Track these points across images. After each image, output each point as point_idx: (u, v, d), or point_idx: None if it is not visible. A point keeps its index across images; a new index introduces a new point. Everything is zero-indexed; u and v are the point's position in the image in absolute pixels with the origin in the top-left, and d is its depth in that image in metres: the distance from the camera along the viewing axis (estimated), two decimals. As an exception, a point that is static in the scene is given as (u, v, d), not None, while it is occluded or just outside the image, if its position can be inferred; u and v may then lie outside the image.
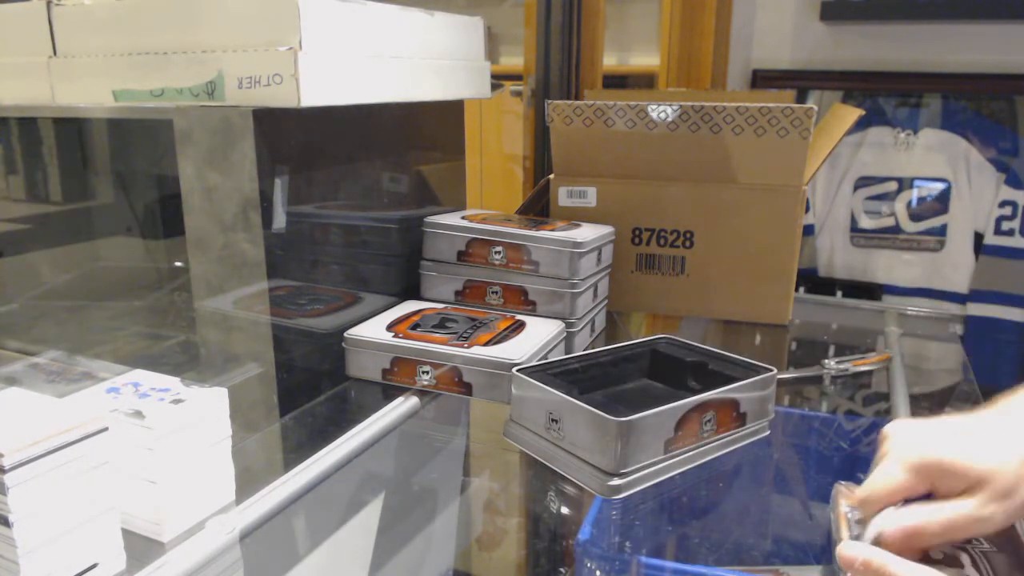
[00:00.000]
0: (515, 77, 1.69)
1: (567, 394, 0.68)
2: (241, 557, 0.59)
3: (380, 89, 0.80)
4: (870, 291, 2.13)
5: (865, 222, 2.12)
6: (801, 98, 2.12)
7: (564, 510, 0.69)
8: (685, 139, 1.05)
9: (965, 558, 0.52)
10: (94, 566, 0.52)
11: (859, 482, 0.66)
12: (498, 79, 1.18)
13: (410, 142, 1.03)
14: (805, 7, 2.09)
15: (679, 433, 0.68)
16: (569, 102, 1.07)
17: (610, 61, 2.33)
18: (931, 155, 2.04)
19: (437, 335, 0.86)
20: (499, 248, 0.96)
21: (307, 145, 0.82)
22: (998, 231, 1.99)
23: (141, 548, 0.56)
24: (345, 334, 0.88)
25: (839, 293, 2.15)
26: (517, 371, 0.74)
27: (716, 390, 0.71)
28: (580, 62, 1.55)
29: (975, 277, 2.03)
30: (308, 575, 0.63)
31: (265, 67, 0.68)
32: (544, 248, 0.94)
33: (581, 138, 1.08)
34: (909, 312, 1.24)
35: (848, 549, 0.51)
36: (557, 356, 0.86)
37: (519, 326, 0.90)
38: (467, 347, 0.83)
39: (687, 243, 1.09)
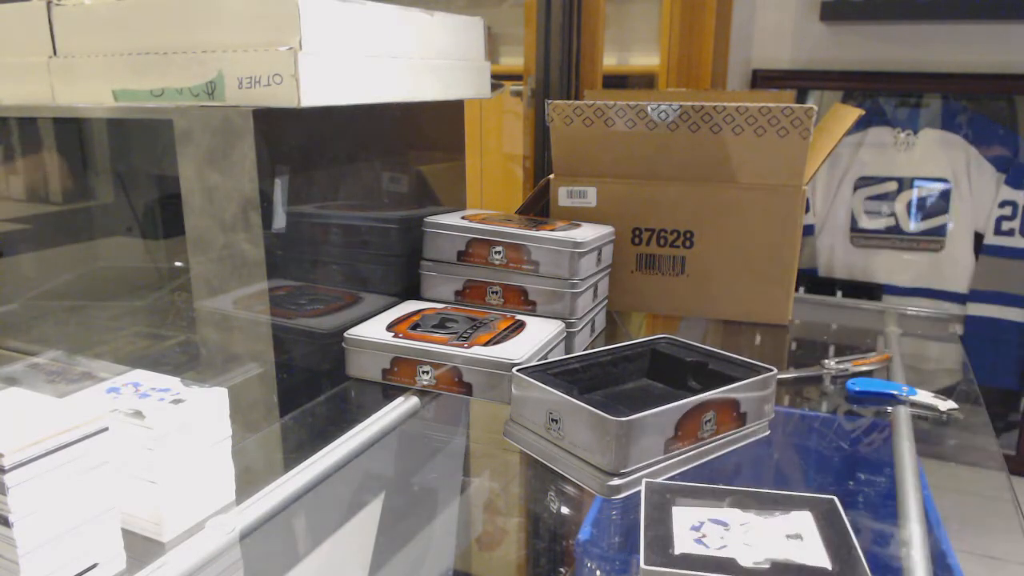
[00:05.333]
0: (515, 77, 1.69)
1: (567, 394, 0.68)
2: (241, 557, 0.59)
3: (380, 89, 0.80)
4: (870, 291, 2.13)
5: (865, 222, 2.12)
6: (801, 98, 2.12)
7: (564, 510, 0.69)
8: (685, 139, 1.05)
9: None
10: (94, 566, 0.52)
11: (859, 482, 0.66)
12: (498, 79, 1.18)
13: (410, 142, 1.03)
14: (805, 7, 2.09)
15: (679, 433, 0.68)
16: (569, 102, 1.07)
17: (610, 61, 2.32)
18: (931, 155, 2.04)
19: (437, 335, 0.86)
20: (499, 248, 0.96)
21: (307, 145, 0.82)
22: (998, 231, 2.00)
23: (141, 548, 0.56)
24: (345, 334, 0.88)
25: (839, 293, 2.15)
26: (517, 371, 0.74)
27: (716, 390, 0.71)
28: (580, 62, 1.55)
29: (975, 277, 2.03)
30: (308, 575, 0.63)
31: (265, 67, 0.68)
32: (544, 248, 0.94)
33: (581, 138, 1.08)
34: (909, 312, 1.24)
35: None
36: (557, 356, 0.86)
37: (519, 326, 0.90)
38: (467, 347, 0.83)
39: (687, 243, 1.09)
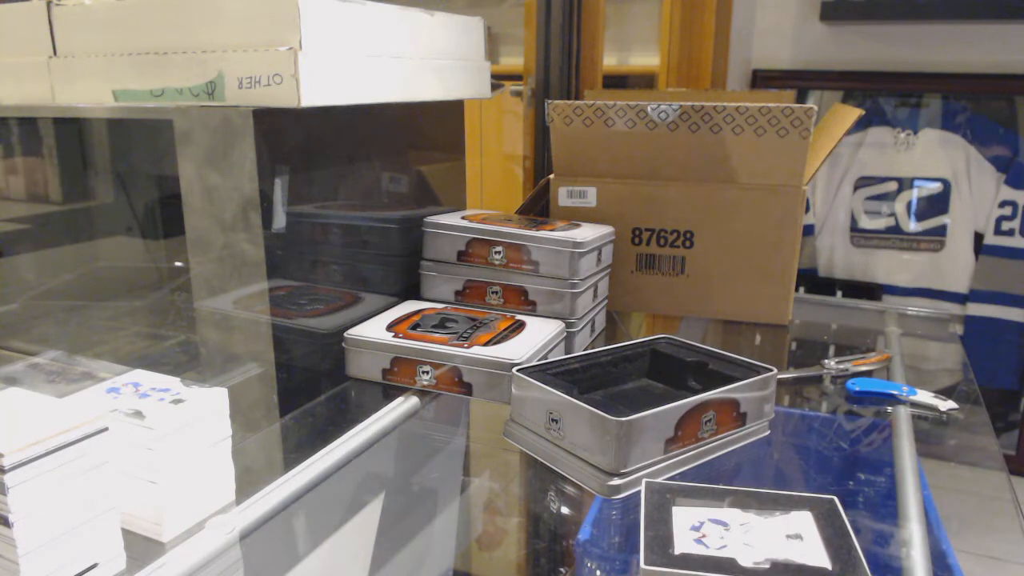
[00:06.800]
0: (515, 77, 1.69)
1: (567, 394, 0.68)
2: (241, 557, 0.59)
3: (380, 89, 0.80)
4: (870, 291, 2.13)
5: (865, 222, 2.12)
6: (801, 98, 2.12)
7: (564, 510, 0.69)
8: (685, 139, 1.05)
9: None
10: (94, 566, 0.52)
11: (859, 482, 0.66)
12: (498, 79, 1.18)
13: (410, 142, 1.03)
14: (805, 7, 2.09)
15: (679, 433, 0.68)
16: (569, 102, 1.07)
17: (610, 61, 2.32)
18: (931, 155, 2.04)
19: (437, 335, 0.86)
20: (499, 248, 0.96)
21: (307, 145, 0.82)
22: (998, 231, 2.00)
23: (141, 548, 0.56)
24: (345, 334, 0.88)
25: (839, 293, 2.15)
26: (517, 371, 0.74)
27: (716, 390, 0.71)
28: (580, 62, 1.55)
29: (975, 277, 2.03)
30: (308, 575, 0.63)
31: (265, 67, 0.68)
32: (544, 248, 0.94)
33: (581, 138, 1.08)
34: (909, 312, 1.24)
35: None
36: (557, 356, 0.86)
37: (519, 326, 0.90)
38: (467, 347, 0.83)
39: (687, 243, 1.09)
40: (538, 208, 1.20)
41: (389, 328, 0.88)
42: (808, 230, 2.15)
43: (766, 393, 0.76)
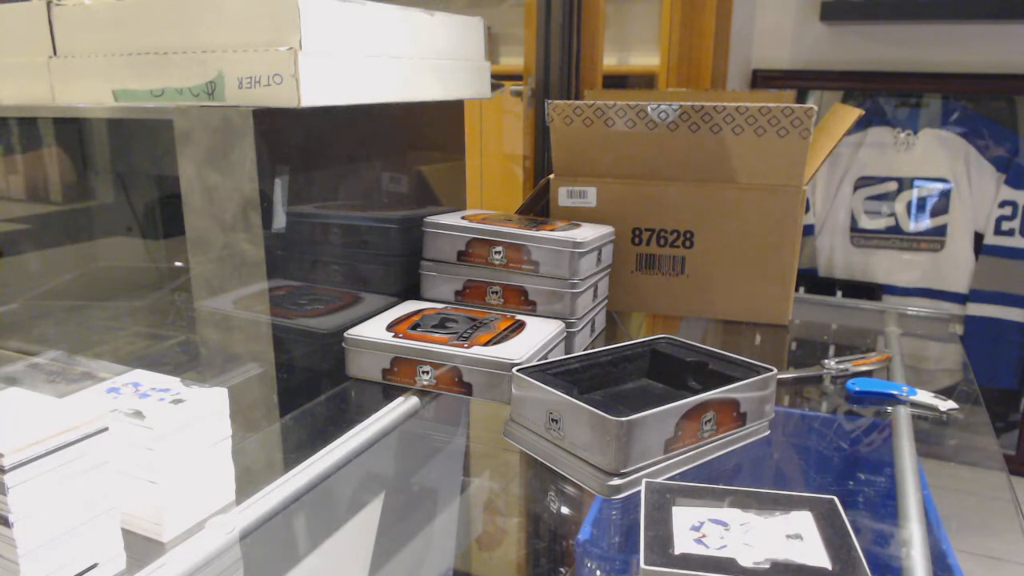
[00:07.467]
0: (515, 77, 1.69)
1: (567, 394, 0.68)
2: (241, 557, 0.59)
3: (380, 89, 0.80)
4: (870, 291, 2.13)
5: (865, 222, 2.12)
6: (801, 98, 2.12)
7: (564, 510, 0.69)
8: (685, 139, 1.05)
9: None
10: (94, 566, 0.52)
11: (859, 482, 0.66)
12: (498, 79, 1.18)
13: (410, 142, 1.03)
14: (805, 7, 2.09)
15: (679, 433, 0.68)
16: (569, 102, 1.07)
17: (610, 61, 2.32)
18: (931, 155, 2.04)
19: (437, 335, 0.86)
20: (499, 248, 0.96)
21: (307, 145, 0.82)
22: (998, 231, 2.00)
23: (141, 548, 0.56)
24: (345, 334, 0.88)
25: (839, 293, 2.15)
26: (517, 371, 0.74)
27: (716, 390, 0.71)
28: (580, 62, 1.55)
29: (975, 277, 2.03)
30: (308, 575, 0.63)
31: (265, 67, 0.68)
32: (544, 248, 0.94)
33: (581, 138, 1.08)
34: (909, 312, 1.24)
35: None
36: (557, 356, 0.86)
37: (519, 326, 0.90)
38: (467, 347, 0.83)
39: (687, 243, 1.09)
40: (538, 208, 1.20)
41: (389, 328, 0.88)
42: (808, 230, 2.15)
43: (766, 393, 0.76)
